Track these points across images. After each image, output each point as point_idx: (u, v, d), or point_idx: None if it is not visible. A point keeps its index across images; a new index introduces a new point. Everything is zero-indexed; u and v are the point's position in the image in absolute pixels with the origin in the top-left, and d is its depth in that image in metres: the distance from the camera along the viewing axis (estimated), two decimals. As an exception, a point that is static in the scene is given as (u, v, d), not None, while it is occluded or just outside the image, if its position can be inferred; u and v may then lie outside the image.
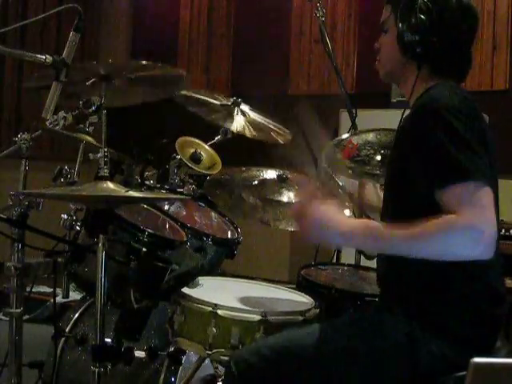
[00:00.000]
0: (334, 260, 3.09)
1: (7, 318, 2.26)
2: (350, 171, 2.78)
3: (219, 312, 1.95)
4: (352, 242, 1.73)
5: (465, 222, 1.56)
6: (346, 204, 2.17)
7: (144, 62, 2.55)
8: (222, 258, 2.44)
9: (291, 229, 2.28)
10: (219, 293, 2.13)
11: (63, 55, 1.90)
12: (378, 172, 2.61)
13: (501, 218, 1.83)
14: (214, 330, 1.94)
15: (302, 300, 2.18)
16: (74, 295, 3.30)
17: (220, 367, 2.35)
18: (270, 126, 3.04)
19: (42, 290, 4.30)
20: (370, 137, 2.78)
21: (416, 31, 1.79)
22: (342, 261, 3.07)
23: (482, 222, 1.56)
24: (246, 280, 2.36)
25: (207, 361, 2.26)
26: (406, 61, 1.85)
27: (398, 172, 1.80)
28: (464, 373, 1.34)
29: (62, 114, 2.18)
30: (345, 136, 2.89)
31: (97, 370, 1.80)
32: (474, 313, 1.72)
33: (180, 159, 2.65)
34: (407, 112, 1.82)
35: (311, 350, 1.74)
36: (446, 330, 1.70)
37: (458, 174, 1.60)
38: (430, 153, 1.65)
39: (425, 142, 1.66)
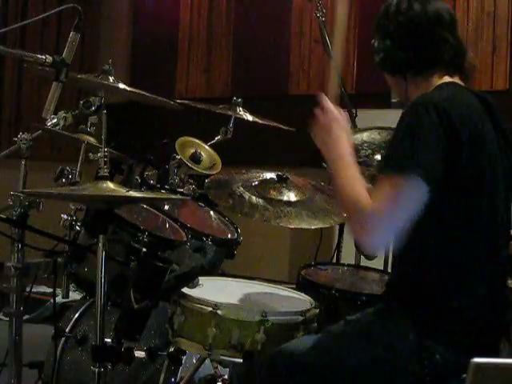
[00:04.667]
0: (334, 260, 3.09)
1: (7, 318, 2.26)
2: None
3: (219, 312, 1.95)
4: (332, 165, 1.83)
5: (366, 209, 1.65)
6: None
7: (144, 93, 2.60)
8: (222, 258, 2.44)
9: (292, 226, 2.29)
10: (219, 293, 2.13)
11: (63, 55, 1.90)
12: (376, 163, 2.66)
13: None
14: (214, 330, 1.94)
15: (302, 300, 2.18)
16: (74, 295, 3.29)
17: (220, 367, 2.35)
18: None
19: (42, 290, 4.30)
20: (365, 136, 2.78)
21: (383, 48, 1.88)
22: (342, 261, 3.07)
23: (375, 211, 1.64)
24: (245, 280, 2.36)
25: (207, 361, 2.26)
26: (396, 79, 1.92)
27: None
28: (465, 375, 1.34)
29: (61, 113, 2.19)
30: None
31: (97, 369, 1.79)
32: (478, 318, 1.72)
33: (180, 159, 2.65)
34: None
35: (315, 366, 1.75)
36: (449, 336, 1.70)
37: (389, 166, 1.69)
38: (394, 138, 1.74)
39: (397, 130, 1.74)
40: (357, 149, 2.79)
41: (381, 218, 1.64)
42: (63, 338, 2.48)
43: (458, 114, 1.69)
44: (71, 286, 2.43)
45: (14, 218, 2.14)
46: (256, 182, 2.39)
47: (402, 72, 1.88)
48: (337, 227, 3.10)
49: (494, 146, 1.77)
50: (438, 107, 1.68)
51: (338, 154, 1.81)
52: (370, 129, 2.80)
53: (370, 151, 2.77)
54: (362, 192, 1.71)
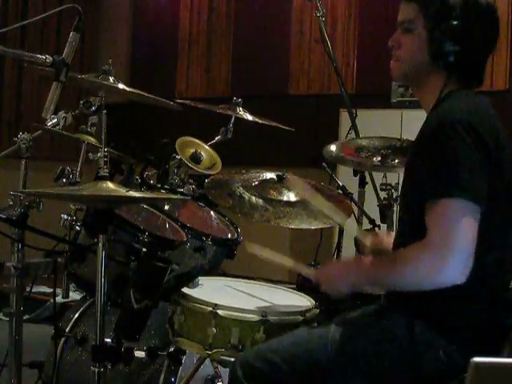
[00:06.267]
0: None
1: (7, 318, 2.26)
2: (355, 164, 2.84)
3: (219, 312, 1.95)
4: (357, 281, 1.81)
5: (429, 250, 1.61)
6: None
7: (144, 94, 2.61)
8: (222, 258, 2.44)
9: (292, 226, 2.30)
10: (219, 293, 2.13)
11: (63, 55, 1.90)
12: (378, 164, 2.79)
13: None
14: (214, 329, 1.94)
15: (302, 300, 2.18)
16: (74, 295, 3.30)
17: (220, 367, 2.35)
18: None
19: (42, 290, 4.31)
20: (364, 142, 2.83)
21: (451, 39, 1.74)
22: (342, 261, 3.07)
23: (448, 245, 1.58)
24: (245, 280, 2.36)
25: (207, 361, 2.26)
26: (433, 67, 1.79)
27: (410, 182, 1.80)
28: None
29: (61, 113, 2.19)
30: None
31: (97, 369, 1.79)
32: (481, 316, 1.71)
33: (180, 159, 2.65)
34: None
35: (317, 355, 1.74)
36: (452, 332, 1.70)
37: (445, 191, 1.62)
38: (431, 165, 1.66)
39: (432, 155, 1.67)
40: (357, 150, 2.83)
41: (446, 247, 1.59)
42: (63, 338, 2.48)
43: (483, 126, 1.68)
44: (71, 286, 2.43)
45: (14, 218, 2.14)
46: (256, 182, 2.39)
47: (453, 70, 1.78)
48: (337, 227, 3.10)
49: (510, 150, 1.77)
50: (467, 124, 1.65)
51: (350, 272, 1.81)
52: (371, 137, 2.84)
53: (369, 153, 2.81)
54: (398, 254, 1.69)
